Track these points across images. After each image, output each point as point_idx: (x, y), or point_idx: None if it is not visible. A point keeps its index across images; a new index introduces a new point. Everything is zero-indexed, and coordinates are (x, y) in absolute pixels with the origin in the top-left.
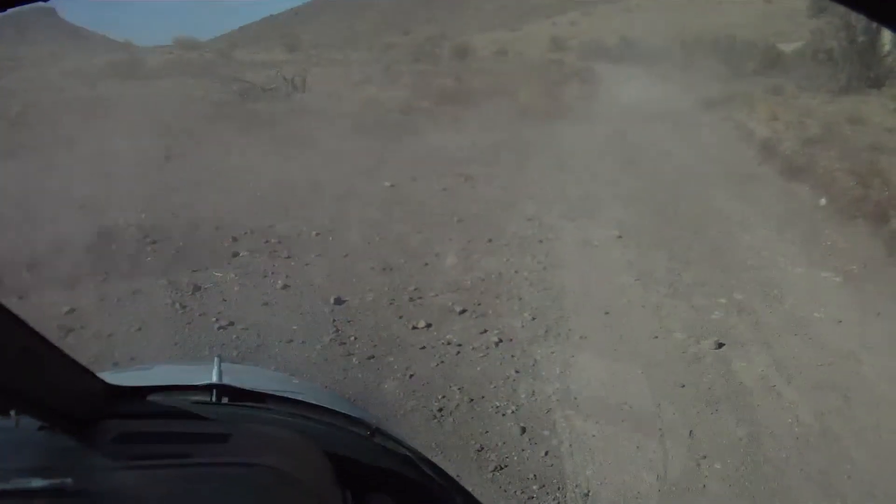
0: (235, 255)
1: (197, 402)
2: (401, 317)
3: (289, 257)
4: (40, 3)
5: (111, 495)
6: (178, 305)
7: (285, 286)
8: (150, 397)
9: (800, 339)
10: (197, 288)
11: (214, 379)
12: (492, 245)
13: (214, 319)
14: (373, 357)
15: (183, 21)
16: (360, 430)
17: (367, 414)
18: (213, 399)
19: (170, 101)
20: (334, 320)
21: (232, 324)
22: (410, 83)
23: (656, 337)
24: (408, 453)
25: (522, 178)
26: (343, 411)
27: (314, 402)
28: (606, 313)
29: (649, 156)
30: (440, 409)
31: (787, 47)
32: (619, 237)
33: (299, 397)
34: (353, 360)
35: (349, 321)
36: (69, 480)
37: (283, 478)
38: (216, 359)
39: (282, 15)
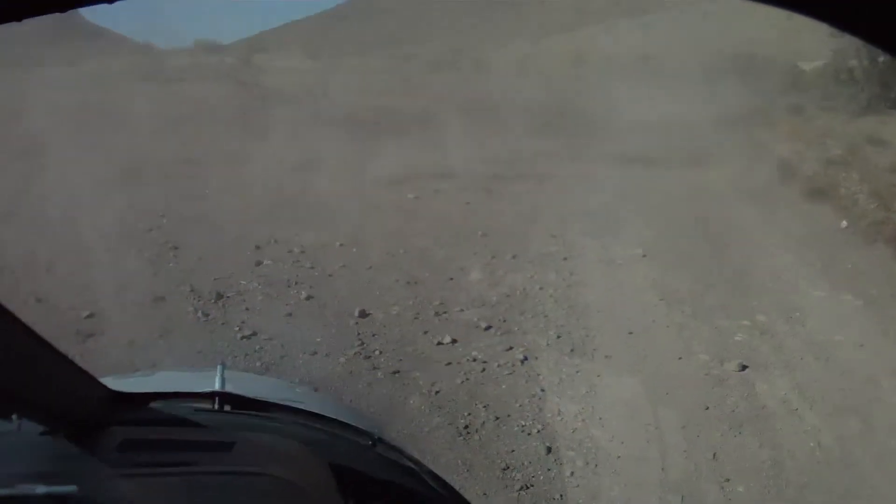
0: (259, 263)
1: (200, 410)
2: (426, 332)
3: (312, 267)
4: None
5: (115, 503)
6: (200, 314)
7: (309, 297)
8: (154, 404)
9: (821, 363)
10: (220, 296)
11: (217, 387)
12: (517, 261)
13: (237, 329)
14: (398, 372)
15: (203, 24)
16: (362, 440)
17: (370, 423)
18: (217, 407)
19: (190, 106)
20: (359, 333)
21: (255, 334)
22: (429, 94)
23: (680, 358)
24: (410, 463)
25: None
26: (345, 420)
27: (317, 410)
28: (630, 333)
29: (670, 174)
30: (466, 427)
31: (808, 66)
32: (644, 256)
33: (302, 406)
34: (378, 374)
35: (374, 335)
36: (73, 488)
37: (286, 487)
38: (219, 366)
39: (302, 21)
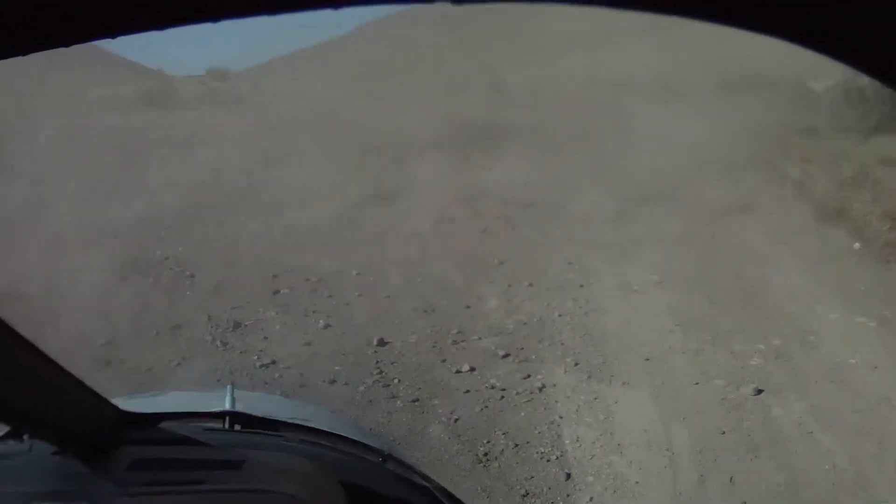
0: (276, 292)
1: (210, 429)
2: (444, 360)
3: (330, 296)
4: None
5: None
6: (218, 342)
7: (327, 325)
8: (164, 424)
9: (835, 386)
10: (237, 325)
11: (227, 406)
12: (533, 289)
13: (256, 357)
14: (417, 400)
15: (214, 51)
16: (372, 457)
17: (380, 440)
18: (227, 426)
19: (201, 134)
20: (377, 362)
21: (274, 362)
22: (446, 117)
23: (697, 383)
24: (420, 480)
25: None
26: (355, 438)
27: (327, 428)
28: (647, 359)
29: (682, 197)
30: (486, 454)
31: (819, 86)
32: (659, 282)
33: (312, 424)
34: (398, 402)
35: (393, 363)
36: None
37: None
38: (229, 386)
39: (315, 47)
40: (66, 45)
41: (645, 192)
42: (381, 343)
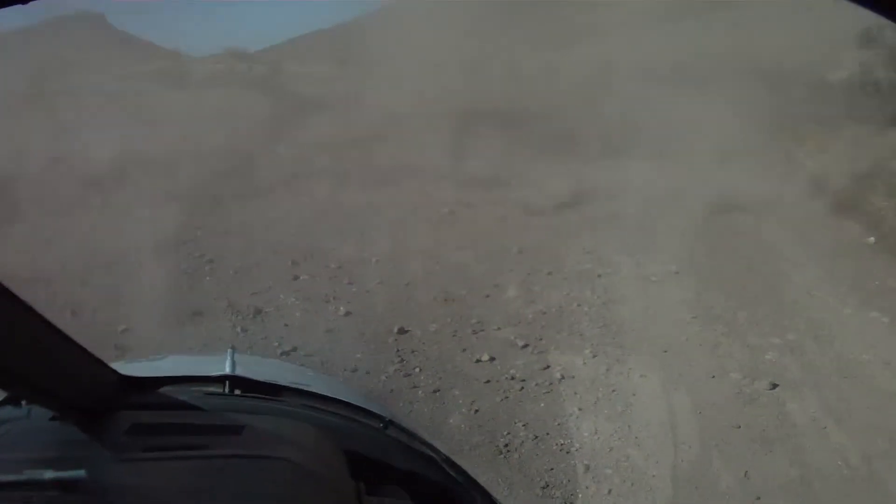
0: (296, 278)
1: (210, 394)
2: (464, 349)
3: (350, 283)
4: (86, 9)
5: (124, 488)
6: (239, 329)
7: (348, 313)
8: (164, 388)
9: (849, 381)
10: (258, 311)
11: (228, 370)
12: (552, 278)
13: (277, 344)
14: (438, 390)
15: (231, 31)
16: (373, 423)
17: (381, 406)
18: (227, 390)
19: (224, 113)
20: (398, 350)
21: (295, 349)
22: (460, 100)
23: (713, 377)
24: (422, 447)
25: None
26: (356, 403)
27: (327, 393)
28: (665, 351)
29: (696, 189)
30: (506, 446)
31: (835, 76)
32: (677, 273)
33: (313, 389)
34: (419, 392)
35: (413, 352)
36: (82, 472)
37: (298, 470)
38: (230, 350)
39: (332, 29)
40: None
41: (658, 183)
42: (402, 331)
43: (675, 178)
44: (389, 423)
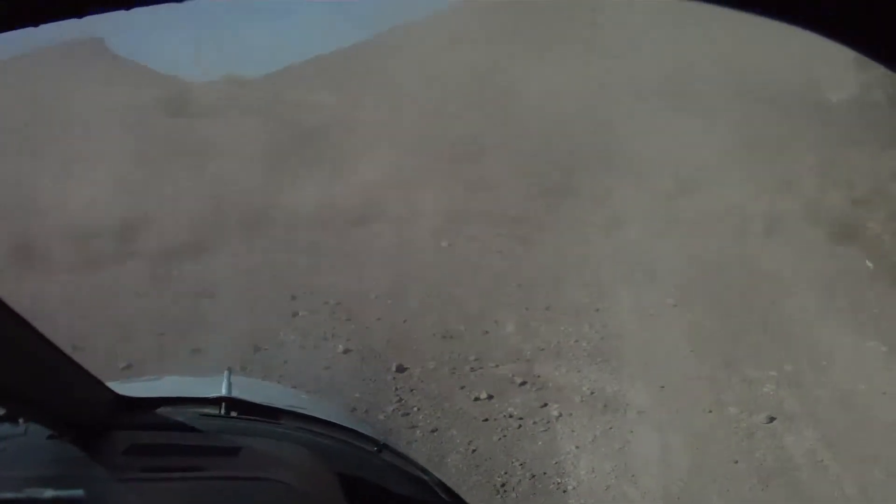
0: (295, 314)
1: (207, 415)
2: (462, 387)
3: (349, 320)
4: (85, 35)
5: None
6: (238, 366)
7: (346, 350)
8: (161, 409)
9: (846, 412)
10: (257, 348)
11: (224, 392)
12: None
13: (277, 381)
14: (436, 430)
15: (229, 57)
16: (368, 446)
17: (375, 430)
18: (223, 412)
19: (226, 141)
20: (397, 388)
21: (294, 387)
22: (459, 123)
23: (710, 411)
24: (416, 471)
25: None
26: (351, 427)
27: (323, 417)
28: (662, 387)
29: (693, 216)
30: (503, 485)
31: (834, 97)
32: (675, 306)
33: (308, 412)
34: (417, 432)
35: (412, 390)
36: (81, 492)
37: (293, 493)
38: (226, 371)
39: (331, 55)
40: (35, 24)
41: (656, 211)
42: (400, 369)
43: (670, 205)
44: (384, 447)
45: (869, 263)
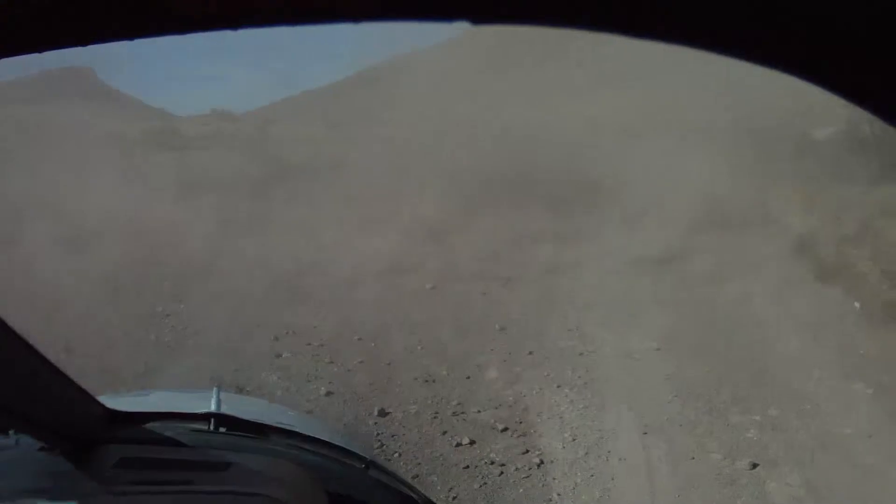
0: (278, 355)
1: (196, 431)
2: (444, 432)
3: (331, 362)
4: (78, 66)
5: None
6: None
7: (329, 393)
8: (150, 424)
9: (831, 456)
10: (240, 389)
11: (213, 408)
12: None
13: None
14: (416, 476)
15: (218, 91)
16: (355, 463)
17: (363, 447)
18: (212, 428)
19: (211, 176)
20: (378, 434)
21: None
22: (445, 165)
23: (693, 458)
24: (403, 487)
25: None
26: (339, 444)
27: (310, 434)
28: (645, 433)
29: (680, 257)
30: None
31: (821, 134)
32: (658, 350)
33: (296, 429)
34: None
35: (393, 435)
36: (72, 503)
37: None
38: (215, 388)
39: (319, 90)
40: (39, 51)
41: (642, 252)
42: (382, 413)
43: (655, 244)
44: (371, 464)
45: (856, 304)
